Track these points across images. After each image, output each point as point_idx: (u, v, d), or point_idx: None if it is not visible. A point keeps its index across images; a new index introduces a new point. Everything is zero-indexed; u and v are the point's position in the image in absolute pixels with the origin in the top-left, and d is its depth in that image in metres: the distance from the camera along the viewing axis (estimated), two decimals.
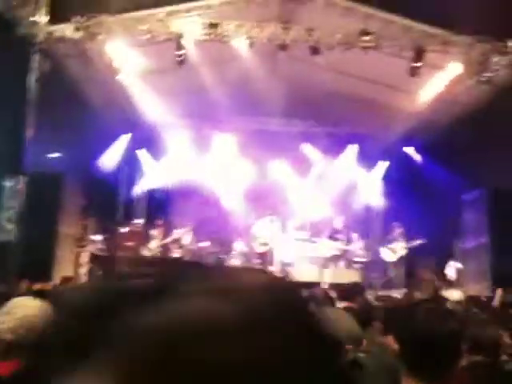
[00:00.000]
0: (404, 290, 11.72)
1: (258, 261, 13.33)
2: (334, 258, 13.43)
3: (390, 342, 2.05)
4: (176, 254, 13.69)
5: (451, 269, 13.00)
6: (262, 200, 15.03)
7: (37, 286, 7.73)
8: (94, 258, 12.79)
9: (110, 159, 13.98)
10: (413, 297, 9.42)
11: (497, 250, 11.18)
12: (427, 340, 1.83)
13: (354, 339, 1.98)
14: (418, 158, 15.05)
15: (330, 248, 13.36)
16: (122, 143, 14.71)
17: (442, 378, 1.80)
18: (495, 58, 10.39)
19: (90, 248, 12.82)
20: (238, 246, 14.32)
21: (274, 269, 13.34)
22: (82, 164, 12.16)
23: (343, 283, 10.91)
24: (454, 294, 6.36)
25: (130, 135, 14.81)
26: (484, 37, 10.38)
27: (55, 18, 9.55)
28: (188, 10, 10.35)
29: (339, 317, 2.11)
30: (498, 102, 10.62)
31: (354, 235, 14.01)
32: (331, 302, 6.52)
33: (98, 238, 13.20)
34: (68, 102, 10.15)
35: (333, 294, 7.14)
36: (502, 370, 2.90)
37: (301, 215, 14.72)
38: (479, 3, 9.08)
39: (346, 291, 7.29)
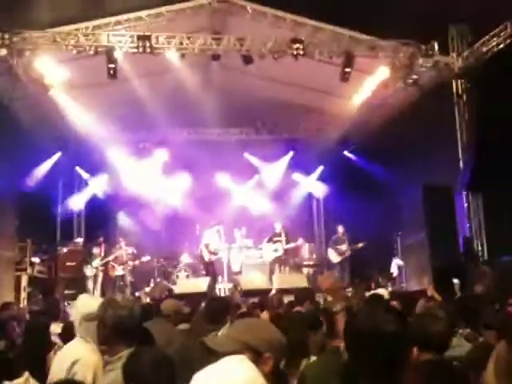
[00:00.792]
0: (349, 291, 11.91)
1: (206, 272, 13.23)
2: (279, 262, 13.51)
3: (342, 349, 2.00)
4: (117, 272, 13.41)
5: (394, 266, 13.35)
6: (208, 210, 15.01)
7: None
8: (34, 280, 12.34)
9: (44, 178, 13.54)
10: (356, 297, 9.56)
11: (434, 245, 11.53)
12: (370, 342, 1.79)
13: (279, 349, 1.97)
14: (355, 159, 15.40)
15: (272, 250, 13.47)
16: (55, 161, 14.28)
17: (394, 381, 1.78)
18: (420, 61, 10.82)
19: (30, 271, 12.35)
20: (185, 259, 14.19)
21: (224, 278, 13.34)
22: (14, 184, 11.73)
23: (292, 288, 11.01)
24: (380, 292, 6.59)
25: (60, 153, 14.38)
26: (409, 40, 10.80)
27: None
28: (117, 23, 10.24)
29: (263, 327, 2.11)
30: (424, 102, 11.06)
31: (300, 239, 14.17)
32: (286, 307, 6.56)
33: (37, 259, 12.74)
34: None
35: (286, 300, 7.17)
36: (450, 366, 2.88)
37: (244, 223, 14.76)
38: (403, 8, 9.44)
39: (296, 296, 7.36)
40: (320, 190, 16.60)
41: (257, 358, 1.81)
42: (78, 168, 15.44)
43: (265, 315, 5.84)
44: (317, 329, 4.12)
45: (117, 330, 2.78)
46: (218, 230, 13.62)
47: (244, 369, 1.41)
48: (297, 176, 16.51)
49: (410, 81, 11.12)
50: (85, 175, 15.53)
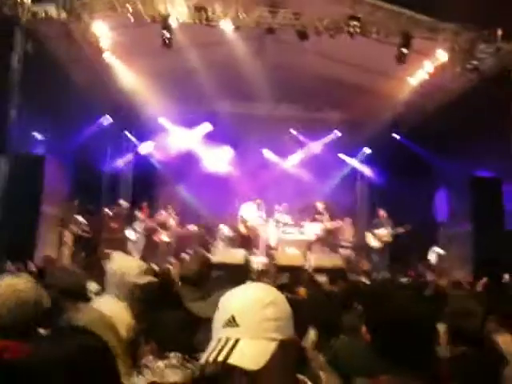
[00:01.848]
0: (387, 275, 11.84)
1: (242, 244, 13.35)
2: (319, 242, 13.51)
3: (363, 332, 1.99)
4: (163, 236, 13.70)
5: (433, 254, 13.15)
6: (248, 184, 15.10)
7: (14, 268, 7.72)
8: (78, 239, 12.77)
9: (93, 139, 13.87)
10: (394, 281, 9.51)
11: (479, 236, 11.31)
12: (397, 325, 1.77)
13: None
14: (404, 143, 15.07)
15: (314, 230, 13.46)
16: (105, 123, 14.58)
17: (419, 369, 1.74)
18: (481, 46, 10.42)
19: (74, 229, 12.77)
20: (224, 230, 14.37)
21: (259, 252, 13.45)
22: (65, 145, 12.06)
23: (327, 267, 11.04)
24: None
25: (110, 116, 14.66)
26: (471, 24, 10.40)
27: None
28: None
29: None
30: (483, 89, 10.68)
31: (346, 220, 14.12)
32: (317, 285, 6.62)
33: (82, 219, 13.16)
34: (52, 83, 10.02)
35: (319, 278, 7.21)
36: (486, 361, 2.83)
37: (286, 199, 14.77)
38: None
39: (330, 275, 7.40)
40: (366, 171, 16.39)
41: None
42: (126, 132, 15.72)
43: (302, 291, 5.90)
44: (349, 308, 4.14)
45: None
46: (259, 203, 13.69)
47: (268, 289, 1.45)
48: (343, 156, 16.34)
49: (470, 66, 10.70)
50: (133, 139, 15.83)
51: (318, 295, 4.77)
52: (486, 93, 10.60)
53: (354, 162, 16.51)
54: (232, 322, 1.34)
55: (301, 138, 16.04)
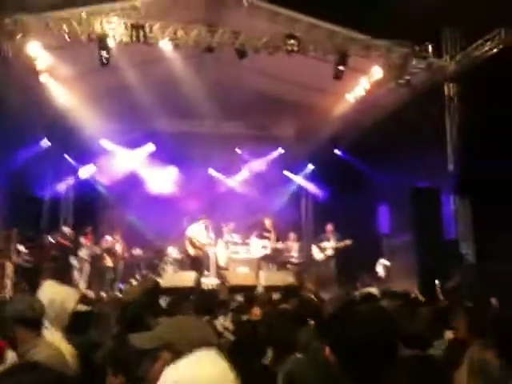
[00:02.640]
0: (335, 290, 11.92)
1: (192, 266, 13.14)
2: (267, 259, 13.50)
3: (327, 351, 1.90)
4: (108, 262, 13.32)
5: (380, 266, 13.37)
6: (195, 204, 14.98)
7: None
8: (19, 269, 12.24)
9: (30, 164, 13.42)
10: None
11: (420, 247, 11.58)
12: (362, 343, 1.73)
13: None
14: (345, 158, 15.39)
15: (261, 247, 13.44)
16: (43, 148, 14.16)
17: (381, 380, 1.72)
18: (414, 62, 10.85)
19: (15, 259, 12.24)
20: (172, 252, 14.14)
21: (210, 273, 13.28)
22: (2, 172, 11.61)
23: (278, 284, 11.00)
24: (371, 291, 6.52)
25: (47, 139, 14.26)
26: (403, 41, 10.83)
27: None
28: (111, 11, 10.15)
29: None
30: (416, 104, 11.09)
31: (291, 235, 14.18)
32: (271, 304, 6.56)
33: (23, 248, 12.63)
34: None
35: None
36: (432, 361, 2.89)
37: (232, 218, 14.72)
38: (399, 8, 9.45)
39: (282, 293, 7.34)
40: (310, 187, 16.63)
41: (176, 357, 1.64)
42: (66, 156, 15.29)
43: (256, 311, 5.83)
44: (303, 325, 4.11)
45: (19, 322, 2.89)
46: (205, 223, 13.54)
47: (215, 363, 1.38)
48: (288, 173, 16.53)
49: (403, 81, 11.13)
50: (73, 163, 15.41)
51: (273, 314, 4.74)
52: (419, 106, 11.01)
53: (298, 179, 16.71)
54: None
55: (245, 155, 16.10)
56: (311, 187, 16.65)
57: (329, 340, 1.87)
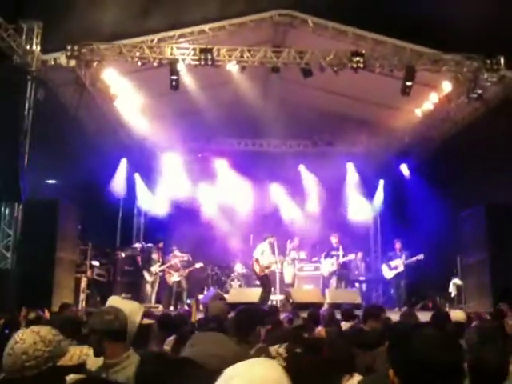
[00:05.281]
0: (404, 309, 11.60)
1: (260, 282, 13.17)
2: (334, 276, 13.36)
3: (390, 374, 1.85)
4: (175, 277, 13.62)
5: (452, 286, 12.91)
6: (261, 221, 15.10)
7: (32, 315, 7.69)
8: (93, 283, 12.77)
9: (106, 183, 14.03)
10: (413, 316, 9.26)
11: (496, 266, 11.11)
12: (427, 368, 1.66)
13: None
14: (414, 174, 15.04)
15: (329, 264, 13.32)
16: (119, 168, 14.80)
17: None
18: (485, 75, 10.48)
19: (89, 273, 12.79)
20: (238, 268, 14.29)
21: (276, 290, 13.29)
22: (79, 189, 12.22)
23: (344, 303, 10.85)
24: (457, 314, 6.04)
25: (125, 160, 14.91)
26: (473, 54, 10.50)
27: (49, 47, 9.70)
28: (180, 36, 10.53)
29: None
30: (489, 118, 10.69)
31: (359, 254, 13.97)
32: (336, 322, 6.47)
33: (97, 263, 13.18)
34: (63, 129, 10.24)
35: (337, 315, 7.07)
36: None
37: (298, 235, 14.70)
38: (468, 21, 9.20)
39: (349, 312, 7.21)
40: (377, 204, 16.34)
41: None
42: (139, 176, 15.85)
43: (321, 330, 5.76)
44: (367, 348, 4.02)
45: (106, 334, 2.91)
46: (271, 241, 13.55)
47: (274, 369, 1.40)
48: (353, 189, 16.29)
49: (474, 95, 10.78)
50: (145, 184, 15.93)
51: (336, 334, 4.67)
52: (492, 120, 10.61)
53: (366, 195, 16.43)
54: None
55: (311, 173, 16.03)
56: (380, 203, 16.32)
57: (393, 362, 1.82)
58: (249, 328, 3.80)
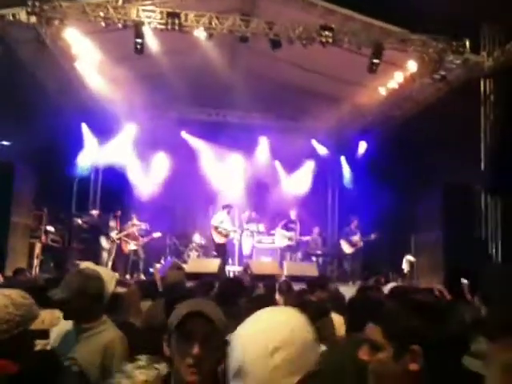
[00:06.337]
0: (359, 283, 11.91)
1: (217, 253, 13.25)
2: (291, 249, 13.55)
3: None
4: (131, 246, 13.48)
5: (405, 262, 13.28)
6: (221, 191, 15.08)
7: None
8: (47, 249, 12.50)
9: (64, 147, 13.58)
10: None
11: (449, 245, 11.46)
12: None
13: None
14: (375, 151, 15.24)
15: (285, 237, 13.49)
16: (78, 131, 14.36)
17: None
18: (450, 57, 10.65)
19: (44, 239, 12.49)
20: (196, 239, 14.27)
21: (235, 261, 13.40)
22: (34, 152, 11.80)
23: (302, 275, 11.02)
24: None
25: (85, 125, 14.48)
26: (440, 35, 10.63)
27: (8, 1, 9.23)
28: None
29: None
30: (450, 99, 10.91)
31: (316, 229, 14.19)
32: (294, 294, 6.58)
33: (52, 229, 12.88)
34: (22, 88, 9.82)
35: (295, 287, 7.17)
36: None
37: (258, 207, 14.77)
38: (437, 3, 9.27)
39: (311, 284, 7.34)
40: (337, 179, 16.58)
41: None
42: (95, 138, 15.38)
43: (279, 299, 5.88)
44: (324, 317, 4.10)
45: (98, 299, 2.85)
46: (230, 211, 13.59)
47: (292, 315, 1.36)
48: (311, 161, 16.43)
49: (438, 76, 10.96)
50: (104, 149, 15.53)
51: (294, 304, 4.73)
52: (454, 102, 10.83)
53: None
54: (239, 374, 1.25)
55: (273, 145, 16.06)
56: (339, 178, 16.55)
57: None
58: (234, 300, 3.87)
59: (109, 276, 3.31)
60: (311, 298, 5.66)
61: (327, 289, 6.48)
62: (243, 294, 4.49)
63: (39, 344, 2.51)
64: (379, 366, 1.55)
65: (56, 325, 2.55)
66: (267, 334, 1.27)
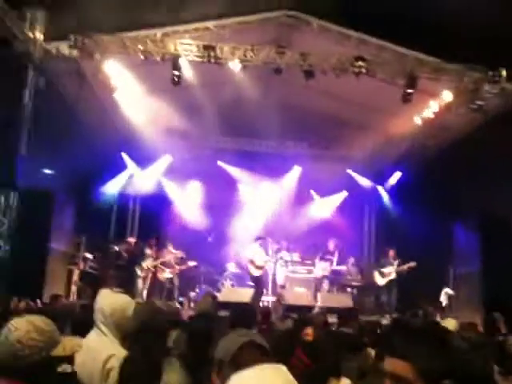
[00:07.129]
0: (395, 315, 11.63)
1: (254, 285, 13.13)
2: (326, 280, 13.38)
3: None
4: (167, 274, 13.58)
5: (443, 295, 12.92)
6: (255, 221, 15.11)
7: (22, 304, 7.67)
8: (85, 275, 12.74)
9: (103, 176, 13.98)
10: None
11: (488, 278, 11.14)
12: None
13: None
14: (411, 181, 15.04)
15: (321, 269, 13.34)
16: (119, 163, 14.76)
17: None
18: (486, 87, 10.50)
19: (82, 266, 12.76)
20: (231, 268, 14.27)
21: (268, 291, 13.29)
22: (74, 181, 12.17)
23: (336, 307, 10.87)
24: (449, 323, 5.99)
25: (125, 155, 14.88)
26: (475, 65, 10.52)
27: (51, 36, 9.65)
28: (185, 32, 10.51)
29: None
30: (487, 129, 10.72)
31: (351, 259, 14.01)
32: (328, 326, 6.49)
33: (90, 255, 13.15)
34: (63, 119, 10.19)
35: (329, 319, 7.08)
36: None
37: (293, 237, 14.70)
38: (472, 32, 9.22)
39: (341, 316, 7.24)
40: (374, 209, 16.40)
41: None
42: (138, 172, 15.75)
43: (309, 331, 5.79)
44: (360, 350, 4.02)
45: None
46: (263, 243, 13.51)
47: (281, 375, 1.38)
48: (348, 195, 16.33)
49: (475, 106, 10.80)
50: (143, 179, 15.86)
51: (324, 337, 4.68)
52: (491, 132, 10.62)
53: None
54: None
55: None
56: (376, 209, 16.38)
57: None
58: (243, 327, 3.81)
59: (127, 303, 3.36)
60: (344, 331, 5.57)
61: (357, 321, 6.38)
62: (255, 322, 4.45)
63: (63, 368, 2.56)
64: None
65: (77, 351, 2.60)
66: None
